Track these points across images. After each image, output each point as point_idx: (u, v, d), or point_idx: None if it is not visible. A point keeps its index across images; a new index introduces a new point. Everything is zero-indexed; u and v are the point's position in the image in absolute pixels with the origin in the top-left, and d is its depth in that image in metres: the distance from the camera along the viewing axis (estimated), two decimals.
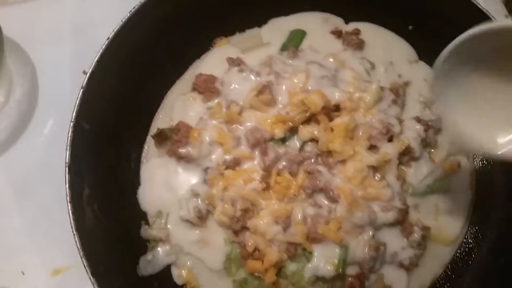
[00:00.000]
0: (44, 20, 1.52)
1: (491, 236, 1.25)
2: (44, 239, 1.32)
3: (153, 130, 1.28)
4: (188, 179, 1.23)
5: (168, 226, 1.22)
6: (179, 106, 1.30)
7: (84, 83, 1.10)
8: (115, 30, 1.15)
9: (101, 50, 1.13)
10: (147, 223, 1.23)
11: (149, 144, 1.29)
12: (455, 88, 0.99)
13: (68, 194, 1.04)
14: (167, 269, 1.20)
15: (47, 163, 1.37)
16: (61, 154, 1.32)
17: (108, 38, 1.14)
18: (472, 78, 0.98)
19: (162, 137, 1.25)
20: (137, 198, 1.24)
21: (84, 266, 1.00)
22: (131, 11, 1.16)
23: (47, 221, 1.33)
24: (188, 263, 1.20)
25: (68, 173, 1.05)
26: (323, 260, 1.14)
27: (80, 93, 1.10)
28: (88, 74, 1.11)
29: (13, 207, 1.34)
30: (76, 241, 1.02)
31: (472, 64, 0.96)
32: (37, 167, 1.38)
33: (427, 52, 1.36)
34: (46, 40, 1.49)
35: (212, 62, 1.34)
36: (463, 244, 1.27)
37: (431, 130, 1.27)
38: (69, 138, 1.07)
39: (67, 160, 1.06)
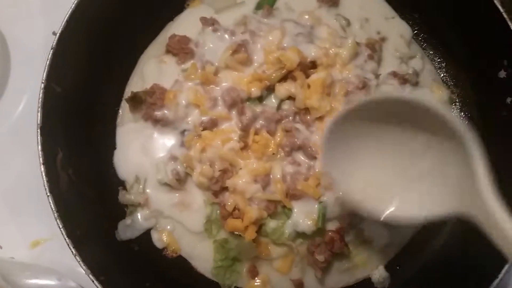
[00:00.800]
0: None
1: None
2: (22, 210, 1.31)
3: (127, 94, 1.26)
4: (165, 142, 1.22)
5: (147, 190, 1.20)
6: (153, 68, 1.27)
7: (54, 43, 1.08)
8: None
9: (70, 10, 1.10)
10: (125, 188, 1.21)
11: (124, 109, 1.26)
12: (343, 153, 1.01)
13: (41, 156, 1.02)
14: (147, 233, 1.19)
15: (23, 135, 1.33)
16: (35, 124, 1.31)
17: None
18: (359, 144, 0.99)
19: (136, 100, 1.22)
20: (114, 164, 1.21)
21: (59, 227, 0.99)
22: None
23: (26, 193, 1.31)
24: (168, 226, 1.20)
25: (41, 134, 1.03)
26: (303, 216, 1.14)
27: (50, 54, 1.07)
28: (58, 34, 1.08)
29: None
30: (50, 203, 1.00)
31: (359, 131, 0.98)
32: (14, 139, 1.36)
33: (402, 8, 1.35)
34: (16, 11, 1.45)
35: (186, 23, 1.31)
36: None
37: (408, 84, 1.26)
38: (40, 99, 1.05)
39: (39, 122, 1.03)
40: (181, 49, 1.26)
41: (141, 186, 1.20)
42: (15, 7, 1.46)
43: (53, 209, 0.99)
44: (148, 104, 1.22)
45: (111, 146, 1.23)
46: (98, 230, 1.12)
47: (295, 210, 1.14)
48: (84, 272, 1.09)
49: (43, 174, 1.01)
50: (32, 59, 1.40)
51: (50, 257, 1.27)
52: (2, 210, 1.30)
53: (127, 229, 1.17)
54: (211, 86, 1.22)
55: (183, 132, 1.20)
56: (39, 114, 1.04)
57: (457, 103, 1.33)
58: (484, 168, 0.81)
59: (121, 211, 1.19)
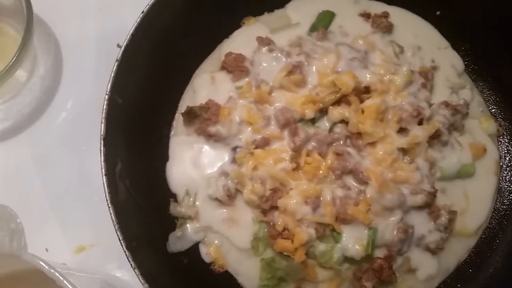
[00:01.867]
0: None
1: None
2: (67, 215, 1.32)
3: (182, 107, 1.27)
4: (217, 158, 1.23)
5: (197, 203, 1.21)
6: (208, 84, 1.29)
7: (119, 56, 1.09)
8: (149, 4, 1.13)
9: (135, 23, 1.12)
10: (176, 200, 1.22)
11: (178, 122, 1.28)
12: None
13: (103, 167, 1.03)
14: (195, 246, 1.20)
15: (70, 139, 1.37)
16: (84, 130, 1.34)
17: (143, 12, 1.12)
18: None
19: (191, 115, 1.24)
20: (166, 176, 1.23)
21: (119, 239, 1.00)
22: None
23: (71, 197, 1.33)
24: (216, 241, 1.21)
25: (104, 145, 1.04)
26: (352, 240, 1.14)
27: (115, 66, 1.09)
28: (123, 47, 1.10)
29: (37, 182, 1.35)
30: (111, 214, 1.01)
31: None
32: (60, 142, 1.38)
33: (454, 38, 1.37)
34: (71, 15, 1.48)
35: (241, 41, 1.32)
36: (488, 229, 1.27)
37: (459, 114, 1.28)
38: (104, 111, 1.06)
39: (102, 133, 1.05)
40: (236, 66, 1.27)
41: (191, 199, 1.21)
42: (70, 11, 1.48)
43: (114, 220, 1.00)
44: (202, 119, 1.23)
45: (165, 158, 1.24)
46: (151, 241, 1.13)
47: (344, 234, 1.15)
48: (128, 281, 1.11)
49: (105, 185, 1.02)
50: (84, 63, 1.42)
51: (93, 263, 1.29)
52: (48, 214, 1.31)
53: (177, 241, 1.18)
54: (265, 105, 1.23)
55: (235, 149, 1.22)
56: (102, 125, 1.05)
57: (505, 136, 1.33)
58: None
59: (172, 223, 1.20)
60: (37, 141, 1.37)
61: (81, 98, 1.41)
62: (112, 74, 1.08)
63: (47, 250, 1.29)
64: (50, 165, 1.36)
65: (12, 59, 1.22)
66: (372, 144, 1.20)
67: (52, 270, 0.85)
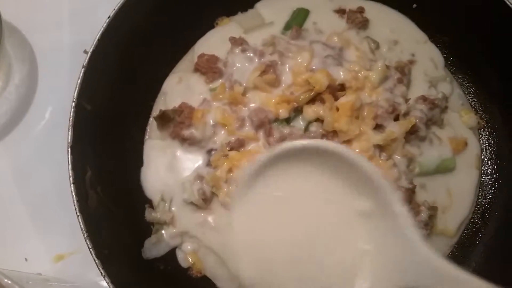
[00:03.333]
0: (43, 3, 1.49)
1: (498, 216, 1.24)
2: (46, 224, 1.32)
3: (155, 111, 1.26)
4: (192, 161, 1.22)
5: (173, 208, 1.20)
6: (181, 87, 1.27)
7: (85, 62, 1.08)
8: (115, 8, 1.12)
9: (102, 29, 1.11)
10: (151, 206, 1.21)
11: (152, 126, 1.26)
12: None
13: (71, 175, 1.02)
14: (172, 252, 1.19)
15: (48, 147, 1.36)
16: (62, 138, 1.30)
17: (109, 17, 1.11)
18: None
19: (164, 118, 1.22)
20: (140, 181, 1.21)
21: (88, 248, 0.99)
22: None
23: (49, 206, 1.32)
24: (193, 246, 1.19)
25: (71, 153, 1.03)
26: None
27: (82, 73, 1.07)
28: (89, 53, 1.09)
29: (15, 192, 1.34)
30: (80, 223, 1.00)
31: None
32: (38, 151, 1.37)
33: (432, 31, 1.34)
34: (45, 23, 1.47)
35: (214, 42, 1.31)
36: (470, 224, 1.25)
37: (437, 109, 1.25)
38: (71, 118, 1.05)
39: (69, 141, 1.04)
40: (209, 68, 1.26)
41: (167, 204, 1.20)
42: (44, 19, 1.47)
43: (83, 229, 0.99)
44: (176, 122, 1.22)
45: (139, 163, 1.23)
46: (124, 248, 1.12)
47: None
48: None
49: (73, 193, 1.01)
50: (59, 71, 1.41)
51: (73, 271, 1.28)
52: (26, 223, 1.31)
53: (152, 248, 1.17)
54: (239, 106, 1.22)
55: (210, 152, 1.20)
56: (69, 133, 1.04)
57: (486, 129, 1.31)
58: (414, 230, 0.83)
59: (147, 229, 1.19)
60: (14, 150, 1.36)
61: (57, 106, 1.40)
62: (79, 81, 1.07)
63: (26, 259, 1.28)
64: (28, 174, 1.35)
65: None
66: (348, 141, 1.18)
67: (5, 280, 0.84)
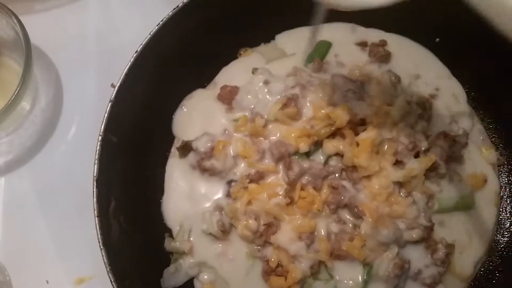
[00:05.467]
0: (69, 27, 1.53)
1: None
2: (68, 247, 1.34)
3: (177, 141, 1.28)
4: (212, 192, 1.23)
5: (191, 238, 1.22)
6: (203, 118, 1.29)
7: (113, 96, 1.11)
8: (143, 43, 1.15)
9: (129, 63, 1.13)
10: (171, 235, 1.23)
11: (173, 156, 1.28)
12: None
13: (95, 209, 1.05)
14: (190, 282, 1.20)
15: (71, 171, 1.39)
16: (86, 161, 1.33)
17: (137, 51, 1.14)
18: None
19: (186, 149, 1.25)
20: (161, 210, 1.24)
21: (111, 281, 1.01)
22: (158, 23, 1.16)
23: (71, 229, 1.35)
24: (211, 276, 1.21)
25: (96, 187, 1.06)
26: (347, 277, 1.14)
27: (109, 107, 1.10)
28: (117, 87, 1.11)
29: (38, 214, 1.36)
30: (103, 256, 1.02)
31: None
32: (62, 174, 1.39)
33: (454, 65, 1.35)
34: (71, 47, 1.50)
35: (237, 72, 1.33)
36: (487, 263, 1.25)
37: (458, 145, 1.26)
38: (97, 152, 1.07)
39: (95, 174, 1.06)
40: (232, 99, 1.27)
41: (186, 234, 1.22)
42: (71, 43, 1.50)
43: (106, 263, 1.02)
44: (197, 152, 1.24)
45: (160, 192, 1.25)
46: (144, 278, 1.14)
47: (339, 270, 1.14)
48: None
49: (97, 227, 1.04)
50: (84, 96, 1.45)
51: None
52: (49, 245, 1.33)
53: (171, 277, 1.19)
54: (260, 138, 1.23)
55: (230, 183, 1.22)
56: (95, 166, 1.06)
57: (506, 166, 1.31)
58: None
59: (166, 258, 1.21)
60: (39, 174, 1.39)
61: (81, 130, 1.43)
62: (106, 115, 1.09)
63: (47, 282, 1.31)
64: (51, 197, 1.38)
65: (14, 93, 1.24)
66: (368, 177, 1.18)
67: None
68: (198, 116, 1.31)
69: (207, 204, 1.23)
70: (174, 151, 1.28)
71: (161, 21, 1.16)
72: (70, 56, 1.49)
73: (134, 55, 1.13)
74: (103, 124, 1.08)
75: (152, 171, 1.26)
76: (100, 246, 1.02)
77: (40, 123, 1.43)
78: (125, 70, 1.12)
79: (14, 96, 1.24)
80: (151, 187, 1.25)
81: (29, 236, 1.34)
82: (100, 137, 1.08)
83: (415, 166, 1.18)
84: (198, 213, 1.22)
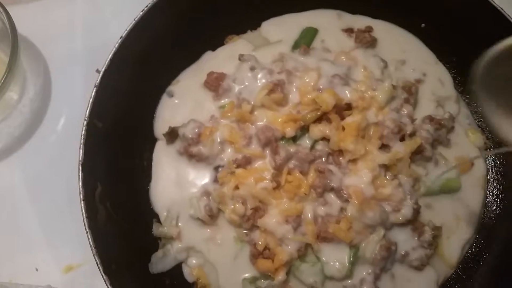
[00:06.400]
0: (57, 17, 1.53)
1: (503, 237, 1.24)
2: (57, 235, 1.34)
3: (164, 128, 1.28)
4: (199, 177, 1.24)
5: (179, 224, 1.22)
6: (190, 104, 1.30)
7: (98, 81, 1.11)
8: (127, 29, 1.15)
9: (114, 49, 1.14)
10: (159, 220, 1.23)
11: (161, 142, 1.28)
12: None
13: (81, 192, 1.05)
14: (178, 267, 1.21)
15: (60, 160, 1.39)
16: (74, 151, 1.33)
17: (121, 37, 1.14)
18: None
19: (173, 135, 1.25)
20: (149, 196, 1.24)
21: (97, 263, 1.01)
22: (143, 9, 1.16)
23: (60, 218, 1.34)
24: (199, 261, 1.21)
25: (82, 171, 1.06)
26: (333, 260, 1.14)
27: (94, 92, 1.10)
28: (102, 72, 1.12)
29: (27, 203, 1.36)
30: (88, 239, 1.03)
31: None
32: (51, 163, 1.39)
33: (441, 50, 1.35)
34: (59, 37, 1.50)
35: (224, 59, 1.33)
36: (474, 244, 1.26)
37: (444, 129, 1.26)
38: (82, 136, 1.08)
39: (80, 159, 1.07)
40: (218, 86, 1.28)
41: (174, 220, 1.22)
42: (59, 34, 1.50)
43: (91, 245, 1.02)
44: (184, 139, 1.24)
45: (148, 178, 1.25)
46: (132, 263, 1.14)
47: (326, 253, 1.15)
48: None
49: (83, 210, 1.04)
50: (73, 85, 1.45)
51: (82, 282, 1.30)
52: (38, 234, 1.33)
53: (159, 262, 1.19)
54: (247, 124, 1.24)
55: (217, 168, 1.22)
56: (80, 151, 1.07)
57: (492, 149, 1.32)
58: None
59: (154, 244, 1.21)
60: (27, 163, 1.39)
61: (70, 119, 1.43)
62: (91, 100, 1.10)
63: (37, 269, 1.31)
64: (40, 186, 1.37)
65: (0, 82, 1.24)
66: (354, 161, 1.19)
67: None
68: (184, 103, 1.31)
69: (195, 190, 1.23)
70: (161, 137, 1.28)
71: (146, 7, 1.16)
72: (58, 46, 1.49)
73: (119, 41, 1.13)
74: (88, 109, 1.09)
75: (139, 157, 1.26)
76: (86, 229, 1.02)
77: (29, 112, 1.43)
78: (110, 56, 1.13)
79: (0, 86, 1.24)
80: (138, 173, 1.25)
81: (18, 225, 1.34)
82: (85, 122, 1.08)
83: (400, 149, 1.20)
84: (185, 198, 1.22)
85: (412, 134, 1.23)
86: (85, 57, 1.48)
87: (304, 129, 1.22)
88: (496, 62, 0.96)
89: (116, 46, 1.13)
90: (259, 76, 1.26)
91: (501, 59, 0.95)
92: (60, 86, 1.47)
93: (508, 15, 1.19)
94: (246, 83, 1.27)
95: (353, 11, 1.39)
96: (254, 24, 1.38)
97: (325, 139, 1.21)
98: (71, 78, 1.46)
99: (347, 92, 1.22)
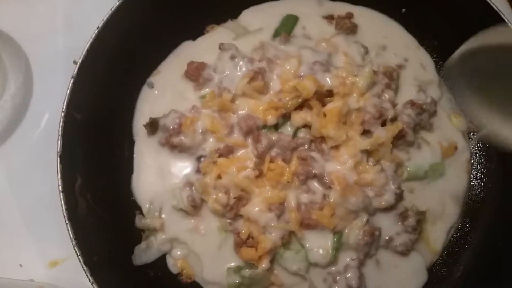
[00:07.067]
0: (38, 13, 1.51)
1: (487, 220, 1.24)
2: (41, 231, 1.33)
3: (145, 119, 1.27)
4: (181, 168, 1.23)
5: (163, 215, 1.21)
6: (171, 95, 1.29)
7: (75, 72, 1.10)
8: (104, 19, 1.14)
9: (91, 40, 1.13)
10: (142, 212, 1.23)
11: (141, 134, 1.27)
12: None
13: (60, 184, 1.05)
14: (162, 258, 1.20)
15: (43, 156, 1.36)
16: (55, 146, 1.34)
17: (98, 27, 1.13)
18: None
19: (154, 126, 1.24)
20: (131, 188, 1.23)
21: (77, 255, 1.01)
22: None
23: (44, 214, 1.34)
24: (183, 252, 1.21)
25: (60, 163, 1.05)
26: (317, 246, 1.14)
27: (71, 83, 1.10)
28: (79, 63, 1.11)
29: (10, 200, 1.35)
30: (68, 231, 1.02)
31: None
32: (34, 159, 1.38)
33: (422, 35, 1.35)
34: (40, 33, 1.48)
35: (204, 48, 1.32)
36: (459, 228, 1.26)
37: (426, 113, 1.26)
38: (60, 128, 1.07)
39: (58, 150, 1.06)
40: (199, 75, 1.27)
41: (157, 211, 1.22)
42: (39, 28, 1.49)
43: (71, 237, 1.01)
44: (165, 130, 1.24)
45: (129, 170, 1.25)
46: (114, 254, 1.14)
47: (310, 240, 1.14)
48: None
49: (62, 201, 1.03)
50: (54, 80, 1.43)
51: (67, 277, 1.29)
52: (21, 229, 1.33)
53: (142, 254, 1.19)
54: (228, 113, 1.23)
55: (199, 158, 1.22)
56: (59, 142, 1.06)
57: (475, 133, 1.31)
58: None
59: (137, 235, 1.21)
60: (10, 158, 1.38)
61: (52, 115, 1.41)
62: (68, 91, 1.09)
63: (21, 266, 1.30)
64: (23, 182, 1.37)
65: None
66: (336, 147, 1.19)
67: None
68: (165, 94, 1.30)
69: (177, 181, 1.23)
70: (142, 129, 1.27)
71: None
72: (39, 41, 1.47)
73: (96, 31, 1.13)
74: (65, 100, 1.08)
75: (120, 149, 1.25)
76: (65, 221, 1.01)
77: (11, 108, 1.41)
78: (86, 47, 1.12)
79: None
80: (119, 165, 1.24)
81: (1, 221, 1.33)
82: (62, 113, 1.08)
83: (382, 134, 1.19)
84: (168, 189, 1.22)
85: (394, 119, 1.22)
86: (67, 52, 1.46)
87: (285, 117, 1.22)
88: (471, 57, 0.95)
89: (93, 37, 1.13)
90: (240, 64, 1.25)
91: (474, 54, 0.94)
92: (41, 81, 1.45)
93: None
94: (227, 72, 1.26)
95: None
96: (234, 13, 1.36)
97: (307, 126, 1.20)
98: (53, 73, 1.44)
99: (328, 78, 1.22)
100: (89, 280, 1.00)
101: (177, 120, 1.22)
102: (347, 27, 1.33)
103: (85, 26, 1.46)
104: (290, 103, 1.20)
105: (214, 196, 1.16)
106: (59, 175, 1.05)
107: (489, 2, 1.19)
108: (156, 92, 1.31)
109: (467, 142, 1.30)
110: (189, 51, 1.34)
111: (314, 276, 1.16)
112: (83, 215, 1.08)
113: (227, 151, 1.20)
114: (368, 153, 1.19)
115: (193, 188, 1.19)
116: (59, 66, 1.45)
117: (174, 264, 1.20)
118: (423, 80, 1.32)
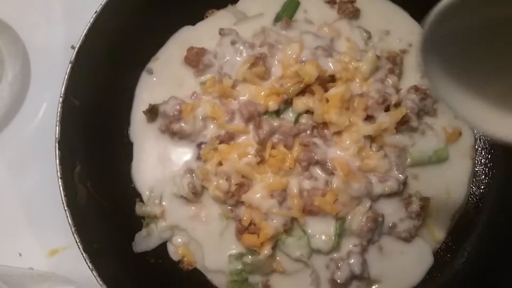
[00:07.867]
0: (35, 0, 1.49)
1: (491, 206, 1.23)
2: (40, 219, 1.32)
3: (144, 105, 1.26)
4: (182, 155, 1.22)
5: (163, 202, 1.20)
6: (170, 81, 1.27)
7: (73, 58, 1.09)
8: (102, 4, 1.12)
9: (88, 24, 1.11)
10: (142, 200, 1.21)
11: (142, 120, 1.26)
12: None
13: (59, 170, 1.03)
14: (163, 246, 1.19)
15: (41, 143, 1.35)
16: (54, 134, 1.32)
17: (96, 12, 1.11)
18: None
19: (153, 113, 1.23)
20: (131, 175, 1.22)
21: (76, 242, 0.99)
22: None
23: (43, 202, 1.32)
24: (184, 239, 1.19)
25: (59, 149, 1.04)
26: (320, 232, 1.13)
27: (69, 68, 1.08)
28: (76, 48, 1.09)
29: (9, 188, 1.35)
30: (67, 217, 1.01)
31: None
32: (32, 147, 1.37)
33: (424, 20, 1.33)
34: (37, 20, 1.46)
35: (204, 34, 1.30)
36: (464, 214, 1.24)
37: (430, 99, 1.24)
38: (58, 114, 1.06)
39: (57, 136, 1.04)
40: (199, 61, 1.25)
41: (157, 198, 1.20)
42: (36, 16, 1.47)
43: (70, 224, 1.00)
44: (165, 116, 1.22)
45: (129, 158, 1.23)
46: (115, 242, 1.13)
47: (312, 226, 1.13)
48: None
49: (61, 188, 1.02)
50: (52, 68, 1.41)
51: (68, 266, 1.28)
52: (20, 218, 1.32)
53: (143, 241, 1.18)
54: (229, 99, 1.21)
55: (200, 145, 1.20)
56: (57, 128, 1.05)
57: None
58: None
59: (138, 223, 1.20)
60: (8, 147, 1.37)
61: (50, 103, 1.40)
62: (66, 76, 1.07)
63: (20, 255, 1.29)
64: (22, 170, 1.36)
65: None
66: (338, 133, 1.17)
67: None
68: (164, 80, 1.29)
69: (178, 168, 1.21)
70: (142, 115, 1.25)
71: None
72: (37, 30, 1.45)
73: (94, 16, 1.11)
74: (63, 86, 1.07)
75: (119, 136, 1.24)
76: (64, 208, 1.00)
77: (8, 96, 1.39)
78: (85, 31, 1.10)
79: None
80: (119, 152, 1.23)
81: (1, 209, 1.32)
82: (61, 99, 1.06)
83: (385, 119, 1.17)
84: (168, 177, 1.21)
85: (397, 105, 1.20)
86: (64, 39, 1.44)
87: (287, 103, 1.20)
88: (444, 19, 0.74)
89: (91, 22, 1.11)
90: (241, 50, 1.24)
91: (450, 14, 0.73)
92: (39, 69, 1.43)
93: None
94: (227, 58, 1.24)
95: None
96: None
97: (309, 112, 1.19)
98: (51, 61, 1.42)
99: (330, 63, 1.20)
100: (89, 267, 0.99)
101: (177, 107, 1.20)
102: (350, 11, 1.31)
103: (83, 13, 1.43)
104: (291, 88, 1.18)
105: (215, 183, 1.15)
106: (57, 161, 1.03)
107: None
108: (155, 78, 1.29)
109: (471, 127, 1.28)
110: (188, 37, 1.31)
111: (317, 262, 1.15)
112: (83, 202, 1.07)
113: (228, 138, 1.18)
114: (371, 138, 1.17)
115: (193, 175, 1.18)
116: (57, 54, 1.43)
117: (175, 252, 1.19)
118: None
